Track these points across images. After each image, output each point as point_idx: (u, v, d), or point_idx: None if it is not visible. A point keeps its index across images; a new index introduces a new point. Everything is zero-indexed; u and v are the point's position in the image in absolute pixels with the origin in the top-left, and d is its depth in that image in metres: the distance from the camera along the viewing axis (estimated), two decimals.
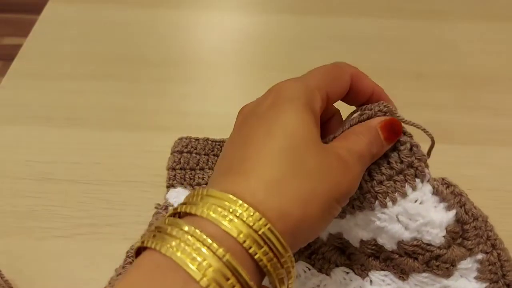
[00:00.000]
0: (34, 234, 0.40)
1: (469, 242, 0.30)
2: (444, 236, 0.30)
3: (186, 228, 0.22)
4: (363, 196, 0.30)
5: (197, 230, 0.22)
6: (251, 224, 0.23)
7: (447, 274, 0.31)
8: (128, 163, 0.44)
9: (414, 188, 0.30)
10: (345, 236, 0.33)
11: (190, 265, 0.21)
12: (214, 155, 0.41)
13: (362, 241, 0.32)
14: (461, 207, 0.30)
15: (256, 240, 0.23)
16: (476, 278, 0.31)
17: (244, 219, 0.23)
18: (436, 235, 0.30)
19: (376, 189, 0.30)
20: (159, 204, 0.39)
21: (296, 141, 0.25)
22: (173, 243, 0.22)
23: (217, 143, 0.41)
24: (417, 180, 0.30)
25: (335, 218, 0.32)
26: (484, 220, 0.31)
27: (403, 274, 0.32)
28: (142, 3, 0.63)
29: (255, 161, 0.25)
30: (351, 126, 0.30)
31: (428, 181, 0.30)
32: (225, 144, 0.28)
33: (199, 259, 0.21)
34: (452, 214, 0.30)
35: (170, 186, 0.40)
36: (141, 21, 0.61)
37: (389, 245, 0.31)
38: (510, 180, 0.43)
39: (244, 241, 0.22)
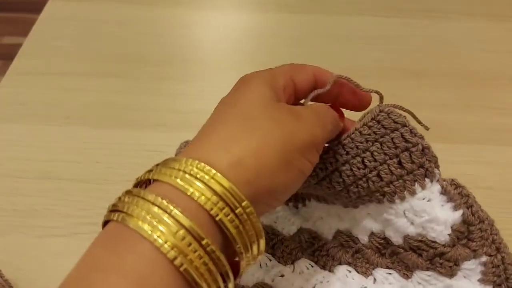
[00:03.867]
0: (34, 232, 0.40)
1: (474, 243, 0.31)
2: (449, 234, 0.30)
3: (148, 197, 0.23)
4: (371, 193, 0.31)
5: (159, 198, 0.23)
6: (212, 185, 0.23)
7: (450, 273, 0.31)
8: (128, 162, 0.44)
9: (423, 187, 0.30)
10: (354, 232, 0.34)
11: (151, 233, 0.22)
12: None
13: (371, 234, 0.33)
14: (467, 208, 0.31)
15: (216, 202, 0.23)
16: (479, 280, 0.31)
17: (206, 180, 0.23)
18: (440, 232, 0.30)
19: (385, 189, 0.31)
20: None
21: (249, 106, 0.27)
22: (134, 213, 0.22)
23: None
24: (427, 179, 0.30)
25: (348, 208, 0.33)
26: (490, 224, 0.31)
27: (407, 271, 0.32)
28: (141, 1, 0.63)
29: (214, 127, 0.27)
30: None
31: (438, 180, 0.31)
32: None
33: (161, 227, 0.22)
34: (458, 214, 0.30)
35: None
36: (140, 20, 0.61)
37: (396, 238, 0.32)
38: (511, 179, 0.43)
39: (206, 203, 0.23)
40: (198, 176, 0.24)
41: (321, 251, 0.35)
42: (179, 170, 0.24)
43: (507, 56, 0.56)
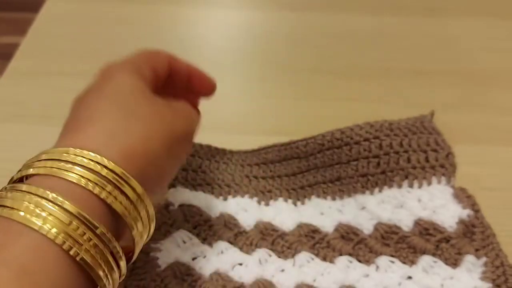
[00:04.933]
0: None
1: (476, 243, 0.33)
2: (456, 223, 0.33)
3: (23, 188, 0.23)
4: (397, 171, 0.36)
5: (34, 187, 0.23)
6: (93, 167, 0.24)
7: (454, 261, 0.32)
8: None
9: (439, 182, 0.35)
10: (358, 223, 0.35)
11: (34, 219, 0.22)
12: (216, 161, 0.41)
13: (379, 223, 0.35)
14: (474, 211, 0.34)
15: (99, 180, 0.24)
16: (480, 278, 0.32)
17: (86, 164, 0.24)
18: (449, 218, 0.34)
19: (410, 170, 0.36)
20: (159, 203, 0.39)
21: (124, 95, 0.28)
22: (7, 203, 0.22)
23: (219, 151, 0.41)
24: (443, 178, 0.35)
25: (361, 195, 0.37)
26: (492, 234, 0.34)
27: (413, 257, 0.33)
28: (140, 0, 0.63)
29: (89, 118, 0.27)
30: None
31: (452, 185, 0.35)
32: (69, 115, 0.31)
33: (43, 214, 0.22)
34: (465, 212, 0.34)
35: (170, 186, 0.40)
36: (140, 18, 0.61)
37: (407, 222, 0.34)
38: None
39: (87, 184, 0.23)
40: (79, 161, 0.24)
41: (321, 243, 0.35)
42: (59, 160, 0.24)
43: (509, 55, 0.55)
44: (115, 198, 0.24)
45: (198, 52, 0.57)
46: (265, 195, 0.38)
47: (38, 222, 0.22)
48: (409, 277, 0.32)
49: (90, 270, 0.22)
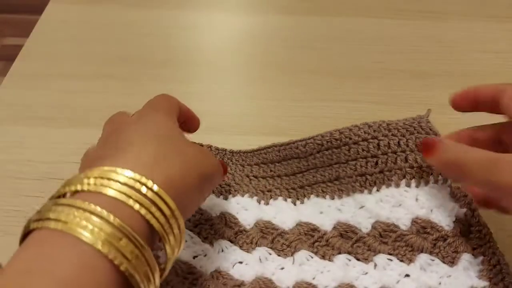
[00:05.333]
0: None
1: (473, 242, 0.33)
2: (454, 222, 0.34)
3: (72, 203, 0.24)
4: (395, 171, 0.36)
5: (86, 202, 0.24)
6: (138, 188, 0.25)
7: (452, 260, 0.33)
8: None
9: (436, 181, 0.35)
10: (357, 221, 0.36)
11: (82, 232, 0.22)
12: None
13: (377, 221, 0.35)
14: (470, 210, 0.34)
15: (144, 202, 0.25)
16: (478, 277, 0.32)
17: (133, 185, 0.25)
18: (446, 217, 0.34)
19: (407, 170, 0.36)
20: None
21: (164, 129, 0.30)
22: (61, 217, 0.23)
23: (219, 151, 0.42)
24: (440, 177, 0.35)
25: (359, 194, 0.37)
26: (489, 233, 0.34)
27: (411, 255, 0.33)
28: (143, 3, 0.64)
29: (130, 143, 0.28)
30: None
31: (449, 185, 0.35)
32: (98, 142, 0.32)
33: (90, 226, 0.23)
34: (462, 211, 0.34)
35: None
36: (143, 21, 0.61)
37: (404, 221, 0.34)
38: None
39: (128, 200, 0.24)
40: (121, 180, 0.25)
41: (320, 241, 0.36)
42: (102, 178, 0.25)
43: (506, 57, 0.56)
44: (153, 215, 0.25)
45: (199, 56, 0.58)
46: (265, 195, 0.39)
47: (87, 234, 0.22)
48: (407, 275, 0.32)
49: (135, 284, 0.23)
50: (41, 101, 0.51)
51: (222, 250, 0.35)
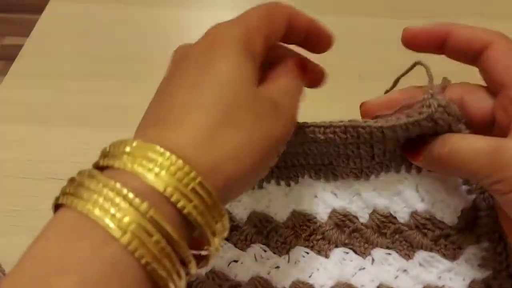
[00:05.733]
0: (36, 233, 0.39)
1: (480, 228, 0.31)
2: (458, 217, 0.31)
3: (106, 182, 0.21)
4: (394, 156, 0.31)
5: (118, 184, 0.21)
6: (180, 178, 0.21)
7: (453, 256, 0.31)
8: None
9: None
10: (352, 210, 0.33)
11: (109, 222, 0.20)
12: None
13: (373, 212, 0.33)
14: (480, 193, 0.31)
15: (185, 194, 0.21)
16: (480, 265, 0.31)
17: (173, 173, 0.21)
18: (449, 214, 0.31)
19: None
20: None
21: (230, 89, 0.24)
22: (91, 199, 0.20)
23: None
24: None
25: (354, 180, 0.33)
26: (496, 213, 0.31)
27: (408, 251, 0.32)
28: (143, 2, 0.63)
29: (186, 111, 0.24)
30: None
31: None
32: (156, 90, 0.27)
33: (119, 215, 0.20)
34: (471, 198, 0.31)
35: None
36: (143, 20, 0.61)
37: (402, 214, 0.32)
38: None
39: (172, 195, 0.21)
40: (177, 176, 0.22)
41: (316, 234, 0.34)
42: (144, 158, 0.22)
43: None
44: (198, 214, 0.22)
45: None
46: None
47: (114, 226, 0.20)
48: (405, 270, 0.32)
49: (160, 279, 0.21)
50: (41, 100, 0.51)
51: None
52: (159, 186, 0.21)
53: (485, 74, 0.28)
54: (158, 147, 0.22)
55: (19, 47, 0.57)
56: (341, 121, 0.33)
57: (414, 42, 0.31)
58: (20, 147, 0.46)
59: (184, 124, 0.23)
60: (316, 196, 0.35)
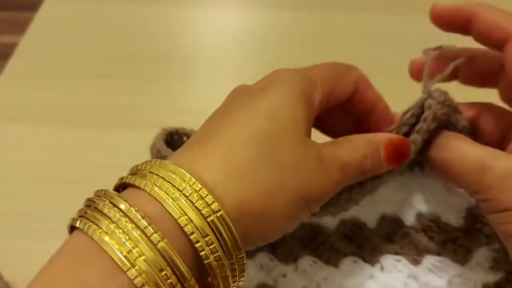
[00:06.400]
0: (33, 235, 0.39)
1: (489, 228, 0.30)
2: (463, 217, 0.30)
3: (120, 206, 0.20)
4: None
5: (133, 209, 0.20)
6: (200, 207, 0.20)
7: (463, 260, 0.30)
8: (128, 163, 0.44)
9: None
10: (361, 219, 0.33)
11: (118, 253, 0.19)
12: None
13: (382, 217, 0.32)
14: None
15: (201, 226, 0.20)
16: (491, 268, 0.30)
17: (194, 200, 0.20)
18: (455, 215, 0.30)
19: (417, 157, 0.29)
20: None
21: (276, 126, 0.23)
22: (103, 224, 0.20)
23: None
24: None
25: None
26: None
27: (417, 256, 0.31)
28: (142, 0, 0.63)
29: (224, 138, 0.22)
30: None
31: None
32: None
33: (129, 245, 0.19)
34: None
35: None
36: (140, 19, 0.60)
37: (408, 217, 0.31)
38: None
39: (186, 225, 0.20)
40: (196, 204, 0.20)
41: (324, 244, 0.34)
42: (170, 184, 0.20)
43: None
44: (211, 252, 0.20)
45: (199, 53, 0.57)
46: None
47: (125, 260, 0.19)
48: (415, 277, 0.31)
49: None
50: (38, 100, 0.50)
51: None
52: (175, 213, 0.20)
53: (507, 66, 0.27)
54: (184, 171, 0.21)
55: (15, 45, 0.56)
56: None
57: (440, 20, 0.29)
58: (16, 148, 0.46)
59: (220, 152, 0.22)
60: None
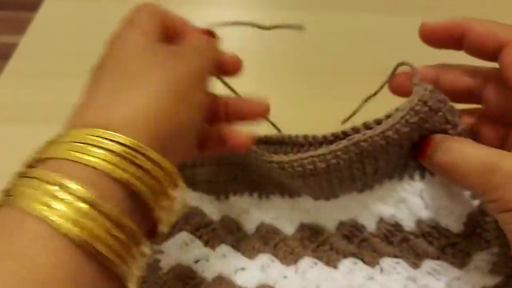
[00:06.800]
0: None
1: (488, 233, 0.30)
2: (464, 223, 0.30)
3: (37, 174, 0.21)
4: (396, 164, 0.31)
5: (52, 174, 0.21)
6: (131, 158, 0.22)
7: (462, 263, 0.30)
8: None
9: None
10: (360, 220, 0.33)
11: (46, 214, 0.20)
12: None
13: (380, 220, 0.32)
14: None
15: (118, 162, 0.22)
16: (490, 271, 0.30)
17: (100, 144, 0.22)
18: (454, 220, 0.30)
19: (410, 163, 0.30)
20: None
21: (122, 61, 0.28)
22: (26, 194, 0.21)
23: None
24: None
25: (358, 194, 0.32)
26: None
27: (416, 259, 0.31)
28: (141, 0, 0.63)
29: (93, 91, 0.27)
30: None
31: None
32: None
33: (58, 206, 0.20)
34: (476, 203, 0.30)
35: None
36: None
37: (407, 222, 0.31)
38: None
39: (106, 167, 0.22)
40: (91, 142, 0.22)
41: (324, 245, 0.34)
42: (72, 142, 0.23)
43: None
44: (137, 178, 0.22)
45: None
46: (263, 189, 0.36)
47: (45, 212, 0.20)
48: (414, 280, 0.31)
49: (108, 262, 0.21)
50: (38, 100, 0.50)
51: (224, 256, 0.34)
52: (92, 163, 0.22)
53: (503, 74, 0.28)
54: (103, 131, 0.23)
55: (15, 45, 0.56)
56: (334, 134, 0.31)
57: (432, 38, 0.30)
58: (16, 148, 0.45)
59: (90, 104, 0.26)
60: (321, 210, 0.35)
